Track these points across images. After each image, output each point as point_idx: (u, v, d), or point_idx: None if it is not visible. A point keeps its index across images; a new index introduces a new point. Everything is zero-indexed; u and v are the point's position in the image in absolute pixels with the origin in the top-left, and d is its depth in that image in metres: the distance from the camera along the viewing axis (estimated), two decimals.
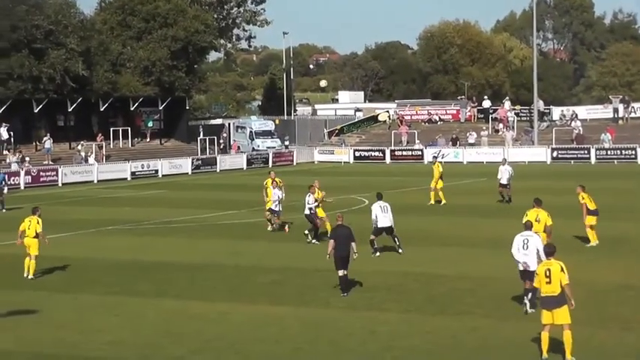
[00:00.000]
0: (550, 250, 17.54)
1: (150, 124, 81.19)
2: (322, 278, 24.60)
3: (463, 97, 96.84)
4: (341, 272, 22.82)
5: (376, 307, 21.66)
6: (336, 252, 22.85)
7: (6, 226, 35.23)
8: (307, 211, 32.12)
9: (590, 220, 29.36)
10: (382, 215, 28.39)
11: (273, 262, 28.32)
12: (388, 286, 24.04)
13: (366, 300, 22.52)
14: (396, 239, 28.88)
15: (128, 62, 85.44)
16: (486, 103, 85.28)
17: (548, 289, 16.79)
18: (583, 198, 29.49)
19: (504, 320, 19.92)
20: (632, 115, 78.21)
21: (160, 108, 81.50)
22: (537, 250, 20.32)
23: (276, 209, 33.95)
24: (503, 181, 42.36)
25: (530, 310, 20.05)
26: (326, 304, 22.15)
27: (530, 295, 20.08)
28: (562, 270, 16.78)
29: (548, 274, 16.81)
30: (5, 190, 46.91)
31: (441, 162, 46.10)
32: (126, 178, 65.59)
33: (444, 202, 42.78)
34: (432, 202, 43.13)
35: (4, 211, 44.36)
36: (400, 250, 28.66)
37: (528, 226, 21.40)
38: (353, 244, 22.92)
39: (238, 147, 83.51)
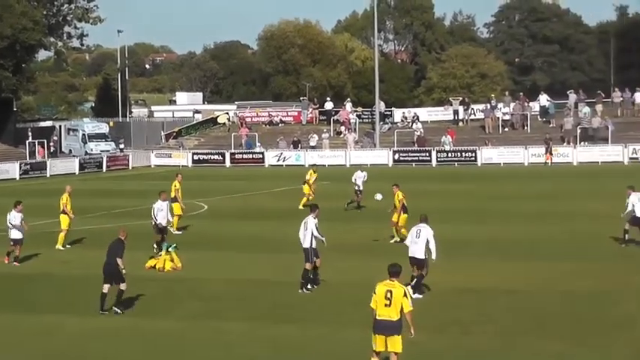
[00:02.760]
0: (395, 270, 15.89)
1: None
2: (160, 287, 24.40)
3: (305, 98, 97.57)
4: (104, 288, 22.04)
5: (217, 316, 21.65)
6: (104, 265, 22.35)
7: None
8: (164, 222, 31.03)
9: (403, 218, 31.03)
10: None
11: None
12: (230, 295, 24.05)
13: (206, 309, 22.48)
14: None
15: None
16: (328, 105, 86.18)
17: (385, 312, 15.50)
18: (401, 198, 31.27)
19: (348, 326, 20.18)
20: (472, 117, 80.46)
21: None
22: (427, 240, 22.61)
23: None
24: (357, 188, 42.19)
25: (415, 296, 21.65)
26: (165, 314, 21.98)
27: (414, 281, 22.57)
28: (405, 295, 15.59)
29: (389, 296, 15.52)
30: None
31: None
32: None
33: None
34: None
35: None
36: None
37: (423, 219, 23.20)
38: (118, 259, 22.03)
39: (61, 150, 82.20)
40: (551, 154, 66.63)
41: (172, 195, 35.82)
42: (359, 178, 42.47)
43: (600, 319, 20.49)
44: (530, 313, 21.24)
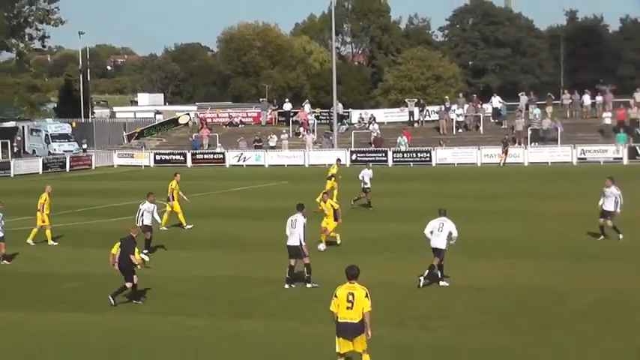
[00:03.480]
0: (353, 273, 15.77)
1: None
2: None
3: (264, 99, 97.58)
4: (128, 284, 22.70)
5: (182, 312, 21.70)
6: (118, 261, 22.87)
7: None
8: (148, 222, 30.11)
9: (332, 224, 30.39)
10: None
11: (74, 268, 27.82)
12: (193, 291, 24.09)
13: (171, 304, 22.52)
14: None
15: None
16: (287, 106, 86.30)
17: (348, 314, 15.49)
18: (330, 206, 30.38)
19: (312, 322, 20.29)
20: (427, 118, 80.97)
21: None
22: (450, 232, 23.60)
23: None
24: (365, 185, 42.15)
25: (422, 283, 23.20)
26: (131, 311, 22.00)
27: (428, 272, 23.42)
28: (366, 296, 15.53)
29: (351, 298, 15.48)
30: None
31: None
32: None
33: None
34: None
35: None
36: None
37: (442, 213, 24.07)
38: (131, 256, 22.64)
39: (24, 150, 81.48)
40: (506, 154, 67.29)
41: (169, 194, 36.60)
42: (366, 175, 42.59)
43: (553, 315, 20.76)
44: (487, 309, 21.48)
